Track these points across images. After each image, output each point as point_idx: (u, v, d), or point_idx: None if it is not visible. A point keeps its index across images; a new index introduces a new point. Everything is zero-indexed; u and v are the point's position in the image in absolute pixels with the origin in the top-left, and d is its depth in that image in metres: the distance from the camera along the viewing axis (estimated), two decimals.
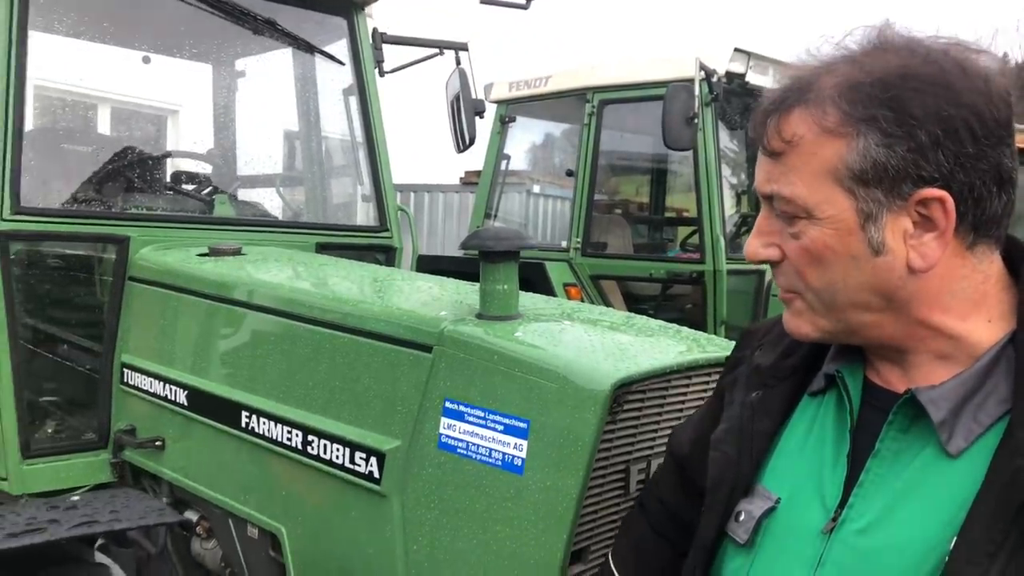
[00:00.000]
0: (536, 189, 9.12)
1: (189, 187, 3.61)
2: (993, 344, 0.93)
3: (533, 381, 1.63)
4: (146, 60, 4.26)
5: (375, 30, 3.76)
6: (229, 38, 4.15)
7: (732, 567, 1.07)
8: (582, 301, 4.96)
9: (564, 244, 5.23)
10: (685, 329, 2.01)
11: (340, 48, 3.74)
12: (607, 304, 5.01)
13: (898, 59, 0.91)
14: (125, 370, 2.78)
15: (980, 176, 0.90)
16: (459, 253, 5.90)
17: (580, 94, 5.10)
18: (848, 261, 0.94)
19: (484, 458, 1.69)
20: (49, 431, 2.87)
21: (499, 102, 5.69)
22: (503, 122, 5.68)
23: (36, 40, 3.94)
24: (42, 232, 2.77)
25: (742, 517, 1.05)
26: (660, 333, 1.93)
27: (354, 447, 1.95)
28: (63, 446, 2.82)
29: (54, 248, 2.96)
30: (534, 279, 4.93)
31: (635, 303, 5.25)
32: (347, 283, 2.47)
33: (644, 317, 2.13)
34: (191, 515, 2.59)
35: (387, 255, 3.55)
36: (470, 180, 9.43)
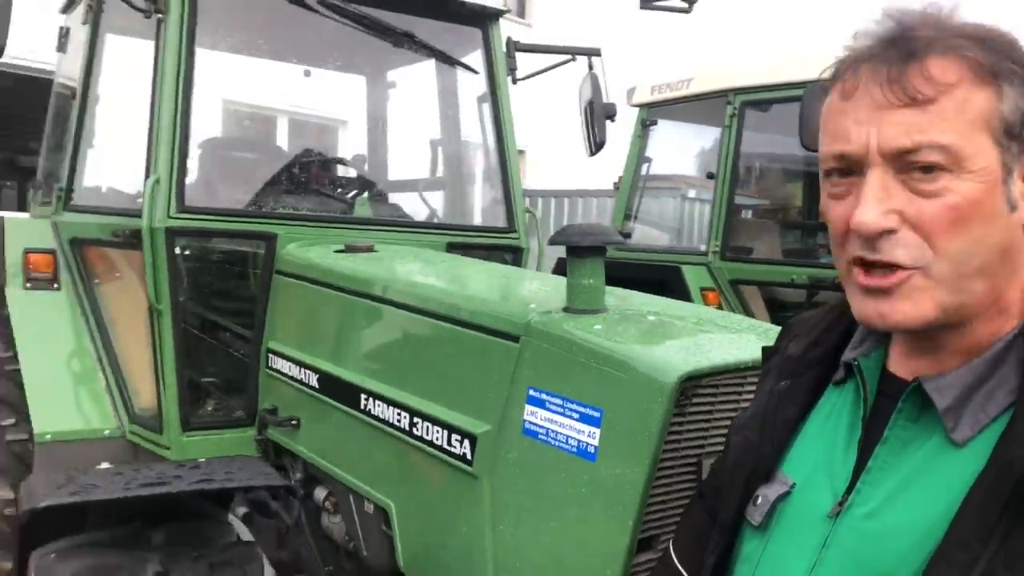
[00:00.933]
0: (691, 194, 9.01)
1: (336, 190, 3.91)
2: (1003, 334, 0.92)
3: (606, 371, 1.69)
4: (307, 74, 4.63)
5: (509, 39, 3.91)
6: (380, 51, 4.44)
7: (748, 549, 1.09)
8: (720, 307, 4.89)
9: (703, 247, 5.17)
10: (775, 328, 1.99)
11: (477, 57, 3.92)
12: (747, 311, 4.90)
13: (983, 26, 0.93)
14: (269, 355, 3.06)
15: None
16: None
17: (721, 96, 5.03)
18: (990, 219, 0.89)
19: (561, 444, 1.77)
20: (206, 408, 3.20)
21: (641, 105, 5.71)
22: (644, 125, 5.69)
23: (210, 58, 4.41)
24: (202, 228, 3.10)
25: (759, 501, 1.08)
26: (748, 330, 1.93)
27: (451, 429, 2.08)
28: (216, 422, 3.14)
29: (213, 244, 3.31)
30: (670, 282, 4.91)
31: (779, 310, 5.10)
32: (456, 278, 2.62)
33: (741, 316, 2.13)
34: (321, 491, 2.82)
35: (514, 255, 3.68)
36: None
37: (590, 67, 4.12)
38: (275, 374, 3.03)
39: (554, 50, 4.11)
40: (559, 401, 1.79)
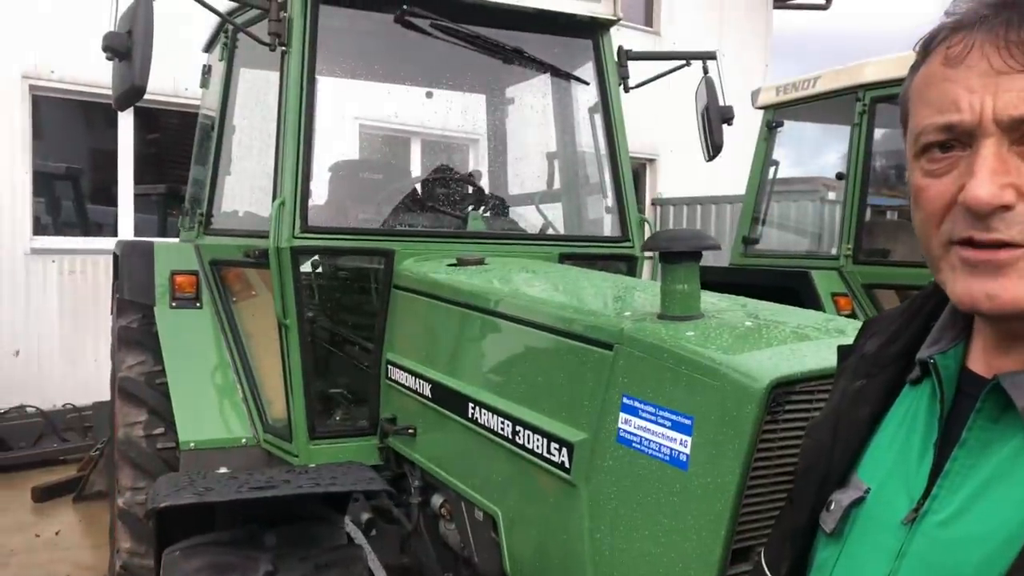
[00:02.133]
0: (831, 196, 8.63)
1: (455, 206, 4.01)
2: None
3: (697, 379, 1.66)
4: (428, 95, 4.80)
5: (620, 47, 3.90)
6: (497, 69, 4.54)
7: (822, 557, 1.04)
8: (853, 313, 4.65)
9: (834, 251, 4.94)
10: None
11: (589, 69, 3.93)
12: None
13: None
14: (389, 366, 3.18)
15: None
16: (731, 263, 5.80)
17: (851, 92, 4.80)
18: None
19: (655, 453, 1.74)
20: (331, 417, 3.36)
21: (766, 107, 5.54)
22: (770, 127, 5.51)
23: (342, 85, 4.64)
24: (324, 247, 3.27)
25: (832, 507, 1.02)
26: (852, 334, 1.83)
27: (550, 438, 2.10)
28: (341, 430, 3.28)
29: (336, 261, 3.47)
30: (799, 288, 4.72)
31: None
32: (558, 288, 2.63)
33: (847, 320, 2.03)
34: (438, 498, 2.90)
35: (629, 264, 3.65)
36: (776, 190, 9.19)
37: (705, 71, 4.05)
38: (394, 384, 3.14)
39: (668, 56, 4.07)
40: (652, 409, 1.77)
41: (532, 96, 4.58)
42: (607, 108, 3.80)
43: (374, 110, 6.81)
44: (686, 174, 11.53)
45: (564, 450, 2.03)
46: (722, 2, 13.21)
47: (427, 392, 2.84)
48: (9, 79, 7.16)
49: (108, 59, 2.96)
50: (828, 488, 1.05)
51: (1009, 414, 0.87)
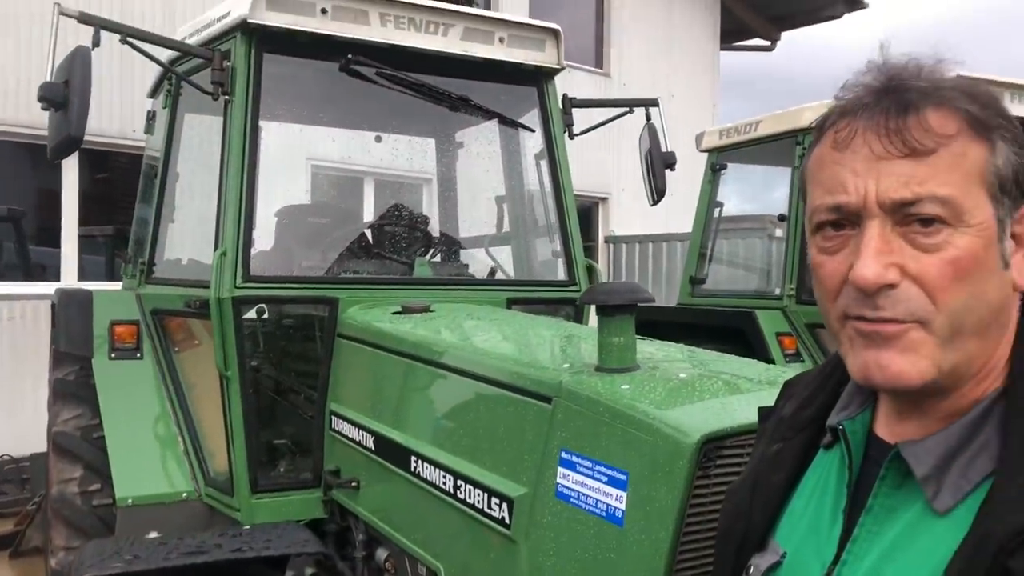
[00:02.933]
0: (779, 233, 8.81)
1: (403, 251, 4.01)
2: (984, 396, 0.87)
3: (631, 433, 1.67)
4: (378, 139, 4.81)
5: (564, 96, 3.96)
6: (445, 114, 4.57)
7: None
8: (797, 352, 4.72)
9: (777, 291, 5.03)
10: None
11: (535, 115, 3.98)
12: (826, 356, 4.71)
13: (967, 80, 0.91)
14: (332, 417, 3.14)
15: None
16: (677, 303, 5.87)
17: (791, 136, 4.93)
18: (988, 275, 0.86)
19: (592, 508, 1.74)
20: (274, 470, 3.30)
21: (710, 150, 5.65)
22: (714, 170, 5.63)
23: (291, 128, 4.63)
24: (267, 296, 3.23)
25: (751, 571, 1.03)
26: None
27: (491, 492, 2.08)
28: (284, 483, 3.22)
29: (279, 310, 3.43)
30: (745, 328, 4.79)
31: None
32: (501, 338, 2.63)
33: (783, 368, 2.06)
34: (382, 552, 2.85)
35: (576, 309, 3.67)
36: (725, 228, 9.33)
37: (648, 117, 4.12)
38: (338, 436, 3.09)
39: (611, 103, 4.14)
40: (589, 463, 1.76)
41: (481, 140, 4.63)
42: (552, 155, 3.84)
43: (326, 151, 6.80)
44: (638, 212, 11.68)
45: (504, 505, 2.01)
46: (671, 44, 13.52)
47: (370, 444, 2.80)
48: None
49: (44, 109, 2.92)
50: (747, 552, 1.06)
51: (911, 481, 0.89)
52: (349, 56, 3.35)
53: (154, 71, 4.34)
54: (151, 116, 4.51)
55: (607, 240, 12.02)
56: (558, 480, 1.84)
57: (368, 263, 3.66)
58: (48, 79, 2.92)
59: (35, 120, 7.23)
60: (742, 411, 1.64)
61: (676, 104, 11.83)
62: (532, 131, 3.90)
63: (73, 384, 3.58)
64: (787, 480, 1.05)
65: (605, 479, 1.70)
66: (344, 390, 3.12)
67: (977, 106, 0.87)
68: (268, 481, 3.20)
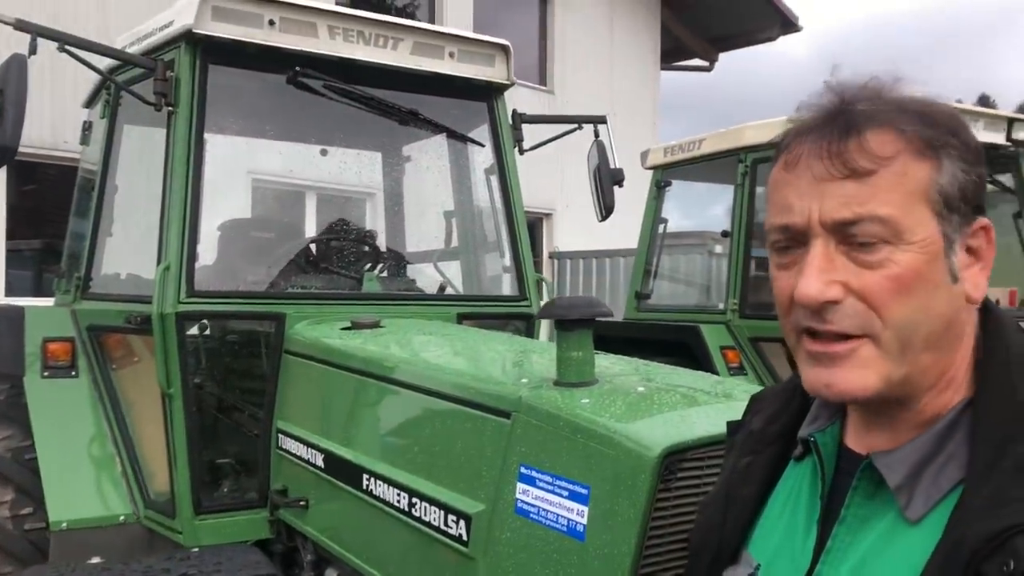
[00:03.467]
0: (718, 249, 8.98)
1: (351, 266, 3.96)
2: (953, 406, 0.89)
3: (592, 447, 1.66)
4: (323, 153, 4.75)
5: (514, 111, 3.97)
6: (393, 128, 4.54)
7: None
8: (741, 366, 4.80)
9: (721, 305, 5.12)
10: None
11: (484, 130, 3.98)
12: (769, 368, 4.81)
13: (923, 100, 0.94)
14: (280, 435, 3.06)
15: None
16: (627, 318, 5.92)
17: (733, 154, 5.04)
18: (933, 289, 0.89)
19: (552, 523, 1.73)
20: (218, 490, 3.20)
21: (655, 168, 5.74)
22: (659, 187, 5.71)
23: (234, 141, 4.54)
24: (212, 312, 3.15)
25: None
26: (741, 398, 1.88)
27: (447, 510, 2.05)
28: (229, 504, 3.13)
29: (225, 325, 3.35)
30: (690, 343, 4.85)
31: None
32: (455, 353, 2.61)
33: (736, 380, 2.09)
34: (332, 572, 2.79)
35: (526, 323, 3.66)
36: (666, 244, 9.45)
37: (596, 135, 4.16)
38: (285, 454, 3.02)
39: (561, 120, 4.17)
40: (549, 478, 1.75)
41: (429, 155, 4.61)
42: (503, 170, 3.85)
43: (268, 165, 6.70)
44: (582, 228, 11.79)
45: (462, 522, 1.99)
46: (612, 62, 13.72)
47: (320, 462, 2.74)
48: None
49: None
50: (720, 565, 1.06)
51: (883, 491, 0.91)
52: (297, 69, 3.31)
53: (88, 80, 4.22)
54: (87, 127, 4.38)
55: (551, 255, 12.09)
56: (517, 496, 1.83)
57: (315, 278, 3.60)
58: None
59: None
60: (701, 424, 1.65)
61: (617, 121, 11.89)
62: (482, 146, 3.90)
63: (3, 404, 3.43)
64: (758, 493, 1.07)
65: (566, 494, 1.70)
66: (292, 407, 3.06)
67: (923, 126, 0.90)
68: (212, 501, 3.11)
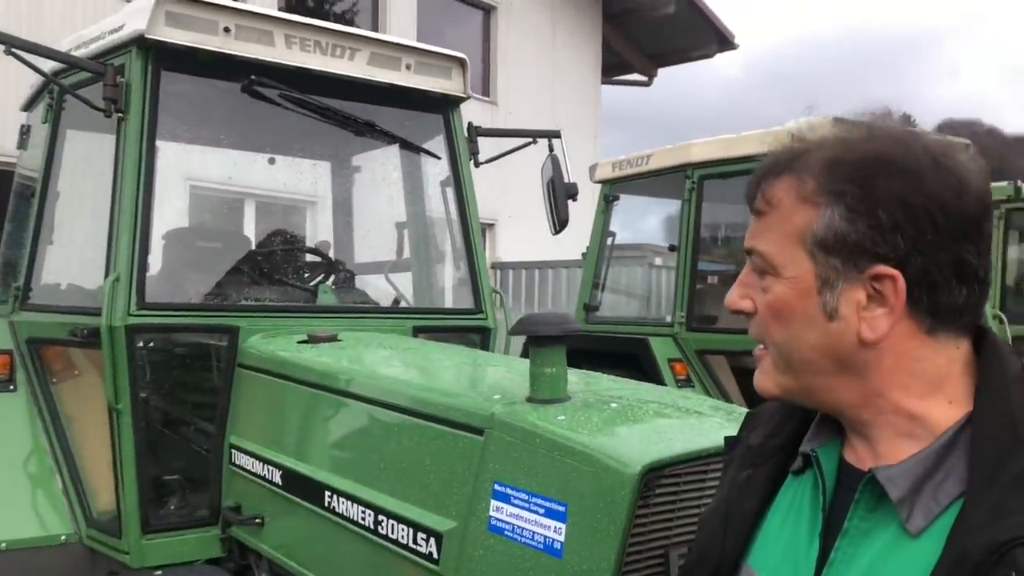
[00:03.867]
0: (658, 262, 9.13)
1: (309, 277, 3.90)
2: (952, 425, 0.93)
3: (570, 464, 1.67)
4: (271, 161, 4.67)
5: (470, 124, 3.98)
6: (343, 138, 4.50)
7: None
8: (688, 378, 4.89)
9: (668, 318, 5.21)
10: (740, 409, 1.99)
11: (440, 143, 3.98)
12: (715, 380, 4.91)
13: (881, 145, 0.98)
14: (233, 451, 2.99)
15: (937, 265, 0.93)
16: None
17: (680, 170, 5.14)
18: (804, 321, 0.99)
19: (528, 541, 1.73)
20: (166, 508, 3.11)
21: (603, 182, 5.81)
22: (607, 200, 5.78)
23: (173, 146, 4.43)
24: (163, 325, 3.07)
25: None
26: (711, 414, 1.92)
27: (416, 527, 2.03)
28: (178, 522, 3.04)
29: (176, 338, 3.26)
30: (639, 355, 4.92)
31: (746, 378, 5.12)
32: (420, 368, 2.60)
33: (703, 398, 2.13)
34: None
35: (482, 336, 3.67)
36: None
37: (550, 148, 4.19)
38: (238, 470, 2.95)
39: (516, 133, 4.19)
40: (524, 496, 1.76)
41: (380, 165, 4.58)
42: (458, 182, 3.85)
43: (205, 171, 6.55)
44: (524, 239, 11.85)
45: (432, 540, 1.98)
46: (555, 75, 13.86)
47: (277, 479, 2.69)
48: None
49: None
50: None
51: (884, 504, 0.94)
52: (253, 77, 3.26)
53: (25, 82, 4.07)
54: (25, 131, 4.22)
55: (493, 266, 12.11)
56: (491, 513, 1.83)
57: (269, 290, 3.54)
58: None
59: None
60: (678, 441, 1.68)
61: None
62: (439, 158, 3.89)
63: None
64: (758, 507, 1.10)
65: (542, 511, 1.70)
66: (246, 423, 2.99)
67: (825, 176, 0.97)
68: (160, 520, 3.02)
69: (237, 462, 2.96)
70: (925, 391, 0.96)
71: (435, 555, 1.96)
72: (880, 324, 0.94)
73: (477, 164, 3.99)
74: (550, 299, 11.07)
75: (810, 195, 0.98)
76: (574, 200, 4.19)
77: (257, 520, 2.80)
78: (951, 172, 0.94)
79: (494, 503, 1.82)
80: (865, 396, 0.98)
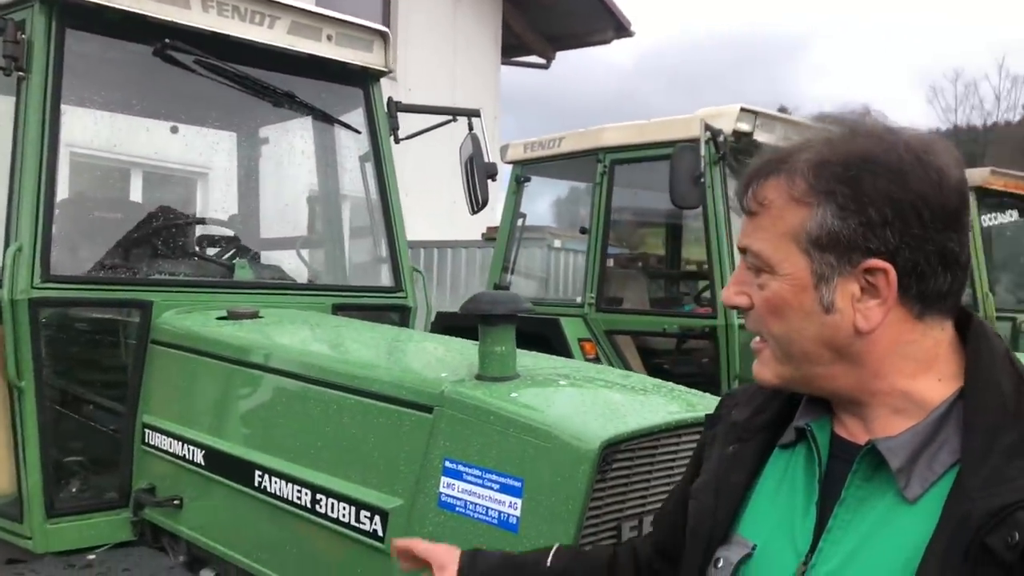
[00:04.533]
0: (557, 244, 9.26)
1: (212, 251, 3.76)
2: (944, 400, 1.01)
3: (527, 440, 1.70)
4: (174, 130, 4.46)
5: (390, 99, 3.92)
6: (253, 108, 4.34)
7: None
8: (597, 357, 5.01)
9: (579, 300, 5.31)
10: (679, 388, 2.06)
11: (357, 116, 3.90)
12: (622, 360, 5.05)
13: (865, 144, 1.03)
14: (146, 430, 2.88)
15: (925, 255, 0.99)
16: None
17: (592, 154, 5.22)
18: (802, 315, 1.04)
19: (482, 516, 1.75)
20: (72, 490, 2.96)
21: (514, 163, 5.84)
22: (519, 182, 5.82)
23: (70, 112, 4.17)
24: (70, 299, 2.90)
25: (720, 564, 1.11)
26: (653, 392, 1.99)
27: (359, 506, 2.02)
28: (85, 505, 2.90)
29: (82, 313, 3.09)
30: (549, 335, 4.99)
31: (651, 358, 5.29)
32: (356, 345, 2.56)
33: (641, 376, 2.20)
34: (208, 573, 2.66)
35: (402, 315, 3.64)
36: (492, 236, 9.55)
37: (470, 127, 4.18)
38: (152, 450, 2.84)
39: (436, 111, 4.15)
40: (478, 472, 1.77)
41: (290, 137, 4.45)
42: (378, 158, 3.80)
43: (88, 137, 6.21)
44: (421, 218, 11.76)
45: (376, 518, 1.97)
46: (455, 53, 13.75)
47: (199, 459, 2.61)
48: None
49: None
50: (713, 546, 1.13)
51: (880, 474, 1.01)
52: (167, 40, 3.11)
53: None
54: None
55: None
56: (441, 490, 1.84)
57: (182, 264, 3.40)
58: None
59: None
60: (632, 416, 1.73)
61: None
62: (359, 132, 3.82)
63: None
64: (746, 480, 1.15)
65: (497, 487, 1.72)
66: (162, 401, 2.88)
67: (815, 177, 1.02)
68: (66, 503, 2.87)
69: (151, 442, 2.85)
70: (916, 371, 1.03)
71: (379, 532, 1.95)
72: (874, 314, 1.01)
73: (397, 140, 3.94)
74: (448, 279, 11.04)
75: (801, 195, 1.02)
76: (493, 180, 4.20)
77: (176, 502, 2.71)
78: (931, 167, 1.00)
79: (445, 479, 1.83)
80: (861, 380, 1.04)
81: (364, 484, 2.04)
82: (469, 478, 1.79)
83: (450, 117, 4.16)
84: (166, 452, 2.77)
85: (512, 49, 15.82)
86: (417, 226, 12.08)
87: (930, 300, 1.02)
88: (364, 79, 3.78)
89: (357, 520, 2.01)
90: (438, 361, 2.23)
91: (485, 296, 1.95)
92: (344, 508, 2.06)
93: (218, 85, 3.42)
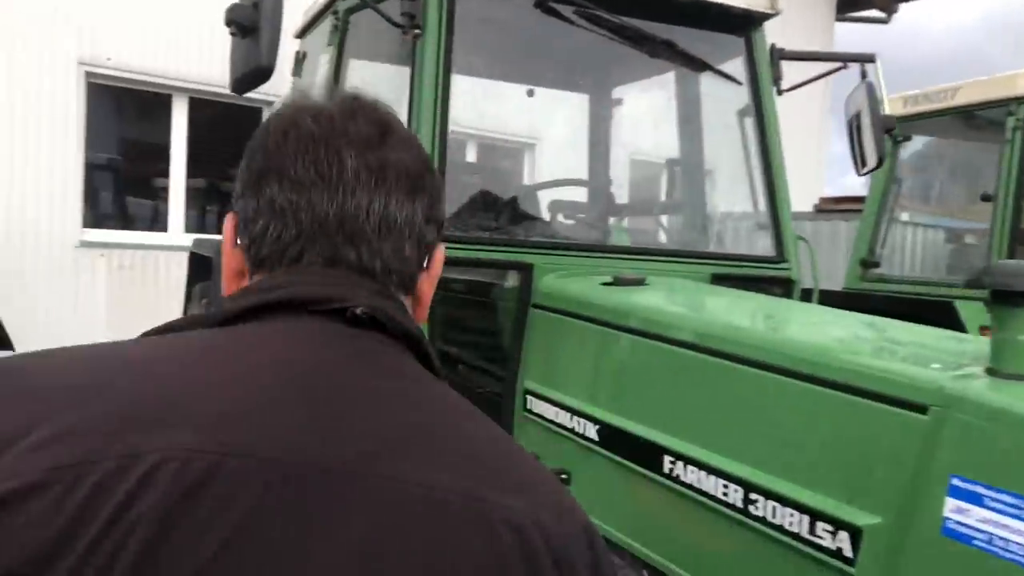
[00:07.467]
0: (904, 217, 8.18)
1: (579, 216, 3.62)
2: None
3: None
4: (530, 93, 4.40)
5: (772, 46, 3.50)
6: (608, 68, 4.15)
7: None
8: None
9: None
10: None
11: (734, 67, 3.53)
12: None
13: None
14: (528, 397, 2.77)
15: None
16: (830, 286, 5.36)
17: (1000, 105, 4.37)
18: None
19: (1017, 558, 1.33)
20: None
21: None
22: (896, 142, 5.07)
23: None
24: (454, 259, 2.86)
25: None
26: None
27: (815, 516, 1.68)
28: None
29: (459, 275, 3.07)
30: (940, 322, 4.28)
31: None
32: (794, 325, 2.21)
33: None
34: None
35: (784, 288, 3.24)
36: (825, 207, 8.66)
37: (863, 75, 3.63)
38: (535, 418, 2.73)
39: (825, 57, 3.66)
40: (1009, 499, 1.35)
41: (649, 96, 4.20)
42: (760, 112, 3.40)
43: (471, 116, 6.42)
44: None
45: (843, 534, 1.61)
46: (785, 9, 12.79)
47: (591, 433, 2.43)
48: (66, 65, 6.81)
49: (232, 35, 2.59)
50: None
51: None
52: None
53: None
54: (301, 58, 4.18)
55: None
56: (946, 514, 1.44)
57: (555, 227, 3.27)
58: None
59: (147, 67, 7.03)
60: None
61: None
62: (739, 83, 3.45)
63: None
64: None
65: None
66: (544, 368, 2.75)
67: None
68: None
69: (534, 409, 2.73)
70: None
71: (848, 553, 1.60)
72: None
73: (780, 92, 3.51)
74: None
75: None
76: (890, 135, 3.63)
77: (563, 476, 2.56)
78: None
79: (951, 501, 1.43)
80: None
81: (820, 491, 1.70)
82: (992, 504, 1.37)
83: (839, 64, 3.64)
84: (551, 421, 2.63)
85: (849, 4, 14.41)
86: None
87: None
88: (746, 25, 3.39)
89: (813, 533, 1.68)
90: (912, 349, 1.81)
91: (1006, 268, 1.50)
92: (791, 515, 1.73)
93: (575, 45, 3.24)
